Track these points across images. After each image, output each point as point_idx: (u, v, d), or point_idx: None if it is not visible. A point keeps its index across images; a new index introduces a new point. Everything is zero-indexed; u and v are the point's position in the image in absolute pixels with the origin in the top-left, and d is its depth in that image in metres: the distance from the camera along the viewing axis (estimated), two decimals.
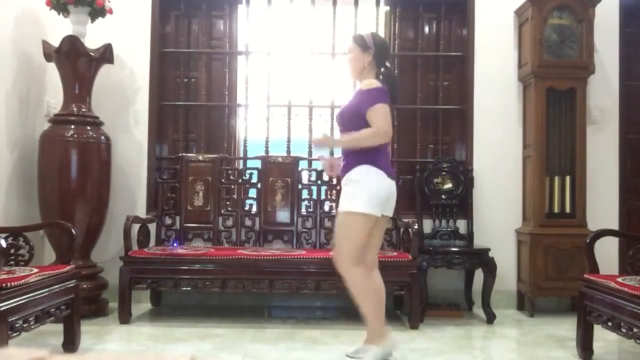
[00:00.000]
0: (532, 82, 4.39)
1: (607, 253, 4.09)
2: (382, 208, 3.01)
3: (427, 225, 4.55)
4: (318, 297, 4.40)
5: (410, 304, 3.89)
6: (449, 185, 4.57)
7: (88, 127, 4.10)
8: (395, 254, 4.06)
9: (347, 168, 3.04)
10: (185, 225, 4.48)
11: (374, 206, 2.96)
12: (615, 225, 4.46)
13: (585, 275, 3.23)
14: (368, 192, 2.95)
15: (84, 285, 3.77)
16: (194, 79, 4.85)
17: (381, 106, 2.98)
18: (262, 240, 4.46)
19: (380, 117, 2.97)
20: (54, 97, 4.36)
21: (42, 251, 4.19)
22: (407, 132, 4.81)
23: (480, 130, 4.64)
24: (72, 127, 4.04)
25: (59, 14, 4.12)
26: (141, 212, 4.47)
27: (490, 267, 4.15)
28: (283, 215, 4.49)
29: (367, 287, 3.01)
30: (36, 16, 4.23)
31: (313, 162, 4.70)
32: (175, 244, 4.37)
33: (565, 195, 4.40)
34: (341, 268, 3.01)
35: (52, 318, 2.99)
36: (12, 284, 2.64)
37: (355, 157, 3.02)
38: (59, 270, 3.09)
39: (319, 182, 4.54)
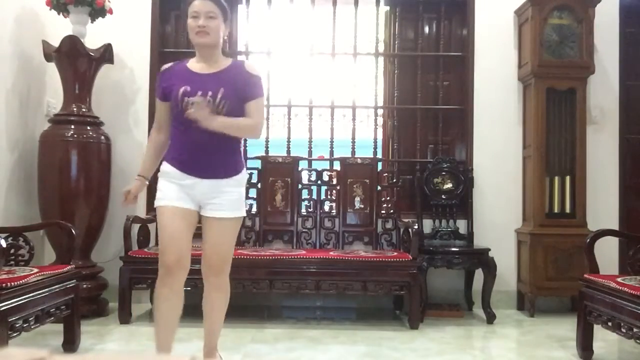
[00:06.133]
0: (532, 82, 4.39)
1: (607, 253, 4.09)
2: None
3: (427, 225, 4.55)
4: (318, 297, 4.41)
5: (410, 304, 3.89)
6: (449, 185, 4.57)
7: (88, 127, 4.10)
8: (395, 254, 4.06)
9: (233, 168, 2.63)
10: None
11: None
12: (615, 225, 4.46)
13: (585, 275, 3.23)
14: (243, 194, 2.71)
15: (84, 285, 3.77)
16: None
17: (263, 99, 2.68)
18: (262, 240, 4.46)
19: (262, 110, 2.68)
20: (54, 97, 4.36)
21: (42, 251, 4.19)
22: (407, 132, 4.80)
23: (480, 130, 4.63)
24: (72, 127, 4.04)
25: (59, 14, 4.12)
26: (141, 212, 4.46)
27: (490, 267, 4.14)
28: (283, 215, 4.50)
29: None
30: (36, 16, 4.22)
31: (313, 162, 4.72)
32: None
33: (565, 195, 4.39)
34: (225, 281, 2.70)
35: (52, 318, 2.99)
36: (12, 284, 2.64)
37: (238, 155, 2.67)
38: (59, 270, 3.09)
39: (319, 182, 4.54)
